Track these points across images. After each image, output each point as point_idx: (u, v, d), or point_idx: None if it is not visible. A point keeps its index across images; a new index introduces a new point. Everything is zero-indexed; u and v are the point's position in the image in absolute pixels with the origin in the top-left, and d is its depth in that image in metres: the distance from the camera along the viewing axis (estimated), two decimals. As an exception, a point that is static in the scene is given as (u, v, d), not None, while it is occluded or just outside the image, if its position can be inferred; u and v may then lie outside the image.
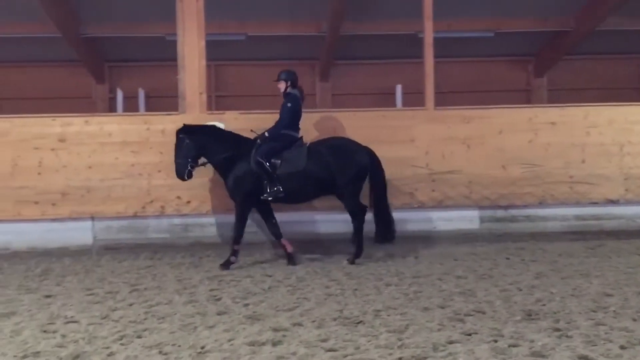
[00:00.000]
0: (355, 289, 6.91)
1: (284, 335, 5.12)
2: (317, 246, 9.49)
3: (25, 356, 4.72)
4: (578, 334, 5.01)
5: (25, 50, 13.65)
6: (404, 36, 13.24)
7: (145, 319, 5.81)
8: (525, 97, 15.32)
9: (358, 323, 5.48)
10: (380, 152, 9.57)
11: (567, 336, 4.96)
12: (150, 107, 13.49)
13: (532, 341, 4.83)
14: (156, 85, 13.88)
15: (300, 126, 8.94)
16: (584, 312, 5.71)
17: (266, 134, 8.73)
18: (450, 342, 4.84)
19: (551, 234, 10.26)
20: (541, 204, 10.36)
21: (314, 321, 5.56)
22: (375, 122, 10.25)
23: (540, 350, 4.60)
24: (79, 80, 14.39)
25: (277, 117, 8.87)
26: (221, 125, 9.50)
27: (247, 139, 8.90)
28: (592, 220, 10.45)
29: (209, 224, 9.87)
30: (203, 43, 10.05)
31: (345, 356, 4.57)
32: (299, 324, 5.48)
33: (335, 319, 5.62)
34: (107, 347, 4.90)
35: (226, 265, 8.42)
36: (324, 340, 4.96)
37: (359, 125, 10.13)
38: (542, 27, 13.83)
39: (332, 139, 9.19)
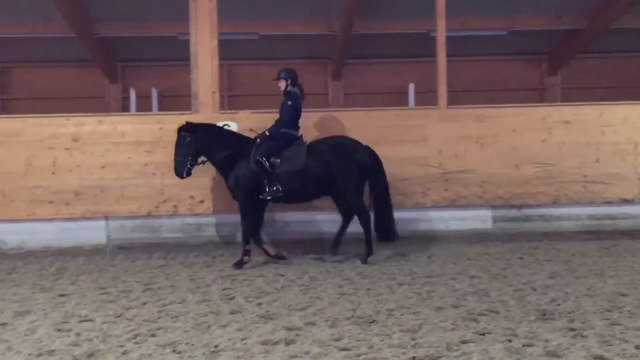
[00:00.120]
0: (368, 289, 6.89)
1: (297, 335, 5.12)
2: (328, 245, 9.45)
3: (40, 354, 4.74)
4: (593, 333, 4.98)
5: (39, 50, 13.72)
6: (416, 35, 13.20)
7: (158, 317, 5.82)
8: (539, 95, 15.23)
9: (371, 322, 5.47)
10: (392, 151, 9.60)
11: (582, 336, 4.92)
12: (163, 107, 13.53)
13: (546, 341, 4.79)
14: (169, 85, 13.92)
15: (300, 125, 8.93)
16: (598, 312, 5.67)
17: (266, 132, 8.73)
18: (464, 342, 4.81)
19: (565, 234, 10.21)
20: (555, 203, 10.31)
21: (327, 320, 5.56)
22: (387, 121, 10.24)
23: (555, 350, 4.57)
24: (93, 80, 14.44)
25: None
26: (234, 125, 9.52)
27: (247, 138, 8.91)
28: (606, 220, 10.38)
29: (222, 224, 9.87)
30: (216, 42, 10.07)
31: (359, 355, 4.55)
32: (312, 323, 5.47)
33: (348, 318, 5.61)
34: (121, 346, 4.91)
35: (239, 265, 8.43)
36: (337, 340, 4.95)
37: (371, 125, 10.12)
38: (556, 25, 13.74)
39: (332, 138, 9.15)
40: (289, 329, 5.30)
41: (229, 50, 12.08)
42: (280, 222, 10.01)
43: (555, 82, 15.19)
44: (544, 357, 4.46)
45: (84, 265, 8.92)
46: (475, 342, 4.81)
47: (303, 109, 8.85)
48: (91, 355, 4.69)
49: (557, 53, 14.86)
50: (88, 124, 9.98)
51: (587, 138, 10.36)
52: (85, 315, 5.96)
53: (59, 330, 5.46)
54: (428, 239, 9.94)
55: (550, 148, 10.31)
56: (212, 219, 9.50)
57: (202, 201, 9.86)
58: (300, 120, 8.91)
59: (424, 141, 10.23)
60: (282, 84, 8.94)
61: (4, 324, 5.69)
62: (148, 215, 9.93)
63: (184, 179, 8.72)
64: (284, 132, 8.74)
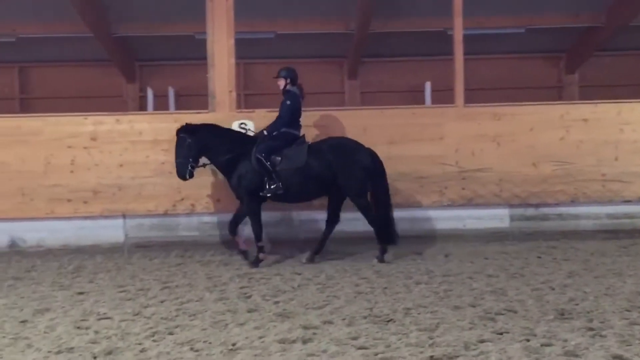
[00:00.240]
0: (385, 287, 6.89)
1: (314, 333, 5.13)
2: (345, 245, 9.44)
3: (59, 352, 4.78)
4: (612, 333, 4.95)
5: (58, 50, 13.81)
6: (433, 33, 13.15)
7: (176, 315, 5.86)
8: (557, 93, 15.12)
9: (388, 321, 5.47)
10: (409, 150, 9.59)
11: (600, 335, 4.89)
12: (180, 106, 13.57)
13: (565, 340, 4.77)
14: (186, 84, 13.97)
15: (301, 123, 8.96)
16: (617, 312, 5.64)
17: (265, 132, 8.75)
18: (482, 341, 4.80)
19: (583, 233, 10.14)
20: (573, 202, 10.24)
21: (344, 319, 5.56)
22: (404, 119, 10.21)
23: (574, 350, 4.55)
24: (110, 80, 14.51)
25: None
26: (250, 124, 9.56)
27: (248, 137, 8.96)
28: (625, 219, 10.28)
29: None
30: (232, 41, 10.09)
31: (376, 354, 4.56)
32: (329, 322, 5.48)
33: (365, 317, 5.61)
34: (140, 344, 4.95)
35: (255, 263, 8.47)
36: (354, 338, 4.96)
37: (388, 123, 10.11)
38: (573, 23, 13.62)
39: (333, 138, 9.17)
40: (306, 327, 5.31)
41: (245, 49, 12.10)
42: (296, 220, 10.03)
43: (573, 80, 15.06)
44: (562, 357, 4.44)
45: (102, 263, 9.00)
46: (493, 341, 4.80)
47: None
48: (110, 352, 4.73)
49: (575, 51, 14.74)
50: (106, 123, 10.04)
51: (605, 136, 10.28)
52: (104, 313, 6.01)
53: (78, 327, 5.51)
54: (445, 238, 9.92)
55: (568, 146, 10.24)
56: (229, 218, 9.47)
57: (219, 200, 9.89)
58: (302, 119, 8.95)
59: (440, 140, 10.19)
60: (282, 83, 8.98)
61: (23, 322, 5.76)
62: (165, 214, 9.98)
63: (185, 180, 8.73)
64: (284, 132, 8.77)
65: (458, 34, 10.34)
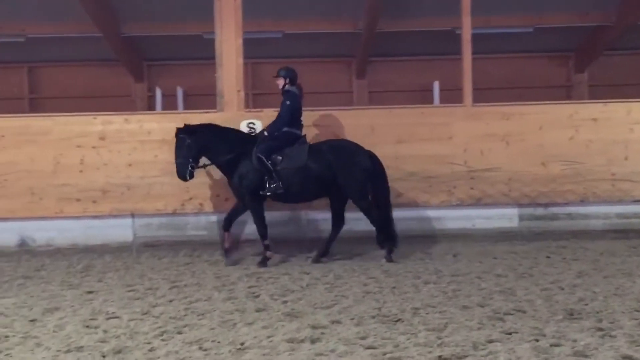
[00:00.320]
0: (394, 287, 6.88)
1: (322, 333, 5.12)
2: (354, 244, 9.44)
3: (68, 350, 4.79)
4: (622, 333, 4.92)
5: (67, 50, 13.86)
6: (441, 32, 13.12)
7: (185, 315, 5.86)
8: (565, 93, 15.06)
9: (397, 321, 5.46)
10: (417, 149, 9.58)
11: (610, 336, 4.87)
12: (189, 105, 13.60)
13: (574, 341, 4.75)
14: (194, 84, 13.98)
15: (302, 123, 8.97)
16: (627, 312, 5.61)
17: (265, 132, 8.77)
18: (491, 341, 4.78)
19: (593, 232, 10.10)
20: (583, 201, 10.21)
21: (352, 319, 5.56)
22: (412, 119, 10.20)
23: (583, 350, 4.53)
24: (119, 79, 14.55)
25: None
26: (258, 123, 9.58)
27: (248, 137, 8.97)
28: (634, 219, 10.23)
29: (247, 222, 9.90)
30: (240, 41, 10.10)
31: (385, 354, 4.55)
32: (338, 322, 5.47)
33: (373, 317, 5.60)
34: (148, 343, 4.95)
35: (263, 262, 8.48)
36: (362, 338, 4.95)
37: (396, 123, 10.11)
38: (582, 22, 13.57)
39: (333, 140, 9.19)
40: (314, 327, 5.31)
41: (253, 49, 12.10)
42: (304, 220, 10.03)
43: (582, 80, 15.01)
44: (571, 357, 4.42)
45: (111, 262, 9.02)
46: (501, 341, 4.78)
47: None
48: (119, 351, 4.74)
49: (584, 50, 14.68)
50: (115, 123, 10.07)
51: (615, 136, 10.23)
52: (113, 312, 6.02)
53: (87, 326, 5.52)
54: (453, 238, 9.90)
55: (577, 146, 10.21)
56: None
57: (227, 199, 9.88)
58: (302, 119, 8.97)
59: (449, 139, 10.18)
60: (281, 82, 9.00)
61: (33, 321, 5.78)
62: (174, 213, 10.00)
63: (185, 181, 8.73)
64: (286, 131, 8.77)
65: (466, 33, 10.32)
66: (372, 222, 8.70)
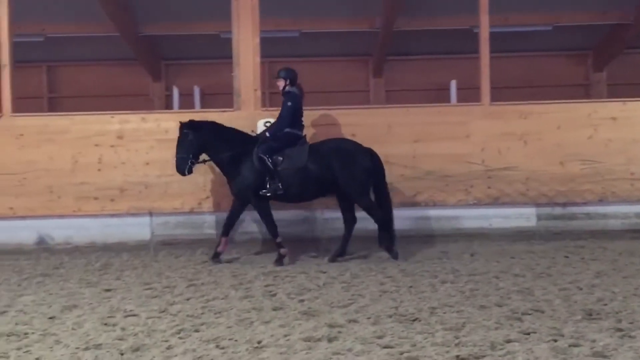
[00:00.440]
0: (410, 286, 6.86)
1: (339, 332, 5.11)
2: (370, 243, 9.42)
3: (87, 348, 4.82)
4: (641, 334, 4.88)
5: (85, 49, 13.95)
6: (458, 31, 13.07)
7: (202, 313, 5.88)
8: (584, 92, 14.94)
9: (414, 320, 5.44)
10: (434, 148, 9.56)
11: (629, 336, 4.82)
12: (206, 104, 13.63)
13: (593, 341, 4.71)
14: (211, 83, 14.01)
15: (304, 123, 8.98)
16: (647, 312, 5.56)
17: (267, 134, 8.78)
18: (508, 341, 4.75)
19: (612, 232, 10.02)
20: (601, 201, 10.13)
21: (369, 318, 5.54)
22: (429, 118, 10.17)
23: (602, 351, 4.49)
24: (137, 79, 14.63)
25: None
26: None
27: (250, 137, 8.97)
28: (654, 218, 10.16)
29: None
30: (257, 40, 10.13)
31: (402, 353, 4.53)
32: (354, 321, 5.46)
33: (390, 316, 5.59)
34: (166, 341, 4.97)
35: (279, 261, 8.50)
36: (379, 337, 4.93)
37: (413, 122, 10.08)
38: (601, 20, 13.45)
39: (333, 140, 9.16)
40: (331, 326, 5.30)
41: (270, 48, 12.12)
42: (320, 219, 10.02)
43: (601, 79, 14.88)
44: (590, 358, 4.38)
45: (129, 260, 9.07)
46: (519, 341, 4.75)
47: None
48: (137, 349, 4.76)
49: (603, 48, 14.55)
50: (132, 122, 10.13)
51: (634, 135, 10.15)
52: (131, 310, 6.05)
53: (105, 324, 5.55)
54: (470, 237, 9.86)
55: (596, 145, 10.13)
56: (254, 216, 9.50)
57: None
58: (303, 119, 8.98)
59: (466, 138, 10.13)
60: (281, 84, 9.03)
61: (52, 318, 5.82)
62: (191, 212, 10.04)
63: (184, 176, 8.80)
64: (287, 132, 8.79)
65: (484, 32, 10.27)
66: (376, 221, 8.68)
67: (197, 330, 5.26)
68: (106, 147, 10.04)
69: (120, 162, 10.03)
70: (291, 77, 9.00)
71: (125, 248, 9.85)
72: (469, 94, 12.11)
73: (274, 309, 5.96)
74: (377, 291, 6.67)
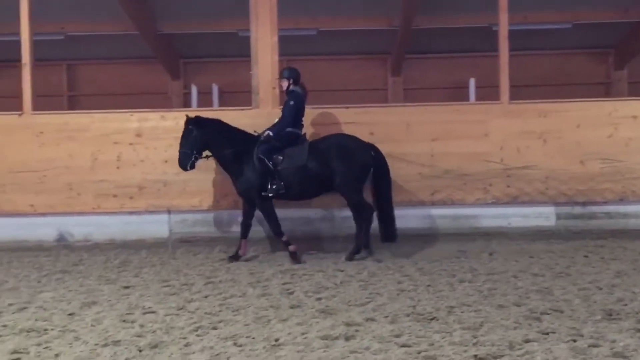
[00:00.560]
0: (428, 285, 6.85)
1: (356, 330, 5.11)
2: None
3: (106, 344, 4.86)
4: (662, 335, 4.83)
5: (105, 47, 14.03)
6: (477, 29, 12.99)
7: (220, 310, 5.90)
8: (604, 90, 14.80)
9: (431, 319, 5.43)
10: (453, 147, 9.51)
11: (650, 337, 4.78)
12: (224, 102, 13.68)
13: (613, 341, 4.67)
14: (230, 81, 14.06)
15: (303, 122, 9.00)
16: (668, 313, 5.50)
17: (270, 133, 8.76)
18: (527, 341, 4.73)
19: (632, 232, 9.90)
20: (622, 200, 10.02)
21: (386, 316, 5.54)
22: (448, 116, 10.12)
23: (622, 351, 4.45)
24: (155, 77, 14.68)
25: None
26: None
27: (252, 136, 8.96)
28: (675, 218, 10.04)
29: (282, 219, 9.92)
30: (276, 39, 10.13)
31: (419, 352, 4.52)
32: (372, 319, 5.46)
33: (408, 315, 5.58)
34: (184, 338, 5.00)
35: (295, 259, 8.54)
36: (397, 336, 4.93)
37: (432, 120, 10.04)
38: (623, 18, 13.29)
39: (333, 136, 9.14)
40: (348, 324, 5.30)
41: (288, 46, 12.11)
42: (338, 217, 10.01)
43: (622, 77, 14.71)
44: (610, 358, 4.35)
45: (147, 258, 9.12)
46: (538, 341, 4.72)
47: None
48: (155, 346, 4.79)
49: (624, 46, 14.40)
50: (151, 120, 10.18)
51: (656, 133, 10.04)
52: (149, 307, 6.09)
53: (124, 321, 5.59)
54: (489, 236, 9.80)
55: (616, 144, 10.02)
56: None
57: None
58: (304, 119, 9.01)
59: (485, 137, 10.07)
60: (285, 83, 9.08)
61: (71, 314, 5.87)
62: (209, 210, 10.07)
63: (186, 171, 8.86)
64: (288, 132, 8.81)
65: (503, 30, 10.20)
66: (357, 220, 8.71)
67: (214, 328, 5.28)
68: (125, 144, 10.09)
69: (139, 159, 10.09)
70: (294, 76, 9.03)
71: (143, 245, 9.90)
72: (487, 92, 12.06)
73: (292, 307, 5.97)
74: (394, 290, 6.66)
